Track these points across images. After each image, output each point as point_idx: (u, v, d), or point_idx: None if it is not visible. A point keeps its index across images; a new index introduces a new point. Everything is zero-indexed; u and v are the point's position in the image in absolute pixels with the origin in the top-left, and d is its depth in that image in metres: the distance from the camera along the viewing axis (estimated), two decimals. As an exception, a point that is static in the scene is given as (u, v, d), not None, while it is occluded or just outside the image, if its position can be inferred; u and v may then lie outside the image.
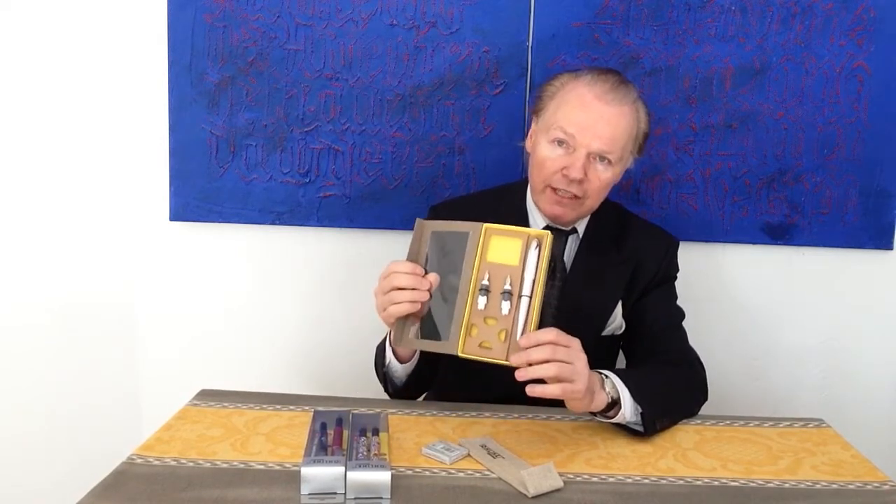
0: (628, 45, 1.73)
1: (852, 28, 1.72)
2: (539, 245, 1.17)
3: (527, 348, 1.11)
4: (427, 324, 1.21)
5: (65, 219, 1.84)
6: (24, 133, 1.81)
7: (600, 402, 1.21)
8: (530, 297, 1.15)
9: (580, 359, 1.14)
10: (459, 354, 1.15)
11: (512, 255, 1.18)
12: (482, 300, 1.16)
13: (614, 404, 1.23)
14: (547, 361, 1.10)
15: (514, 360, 1.11)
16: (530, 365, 1.11)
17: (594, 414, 1.25)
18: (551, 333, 1.12)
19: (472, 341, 1.16)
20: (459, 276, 1.19)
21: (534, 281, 1.16)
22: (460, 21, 1.73)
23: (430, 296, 1.19)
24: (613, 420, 1.24)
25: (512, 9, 1.72)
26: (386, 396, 1.46)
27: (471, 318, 1.16)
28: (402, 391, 1.41)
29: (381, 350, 1.40)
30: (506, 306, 1.15)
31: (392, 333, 1.26)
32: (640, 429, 1.25)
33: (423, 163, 1.78)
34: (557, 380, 1.11)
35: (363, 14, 1.73)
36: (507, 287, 1.16)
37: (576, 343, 1.15)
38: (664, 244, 1.52)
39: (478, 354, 1.15)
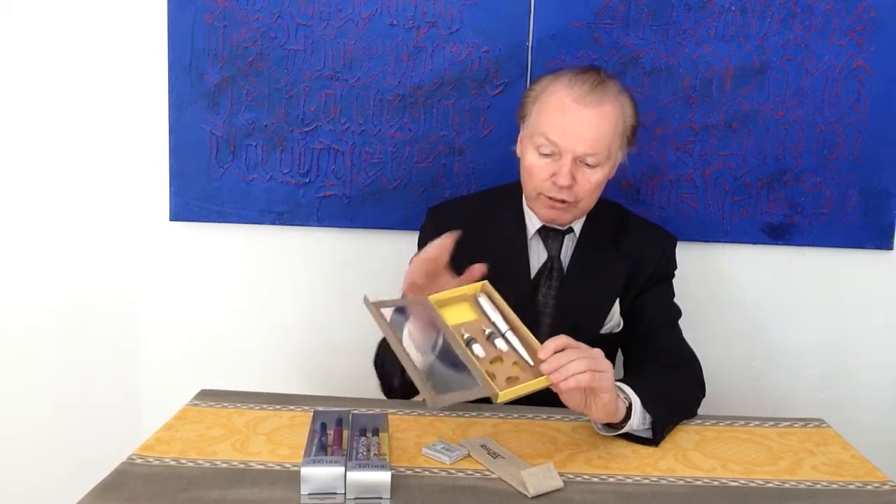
0: (628, 45, 1.73)
1: (852, 28, 1.72)
2: (485, 292, 1.21)
3: (548, 358, 1.11)
4: (453, 376, 1.15)
5: (65, 219, 1.84)
6: (24, 133, 1.81)
7: (622, 407, 1.19)
8: (512, 329, 1.17)
9: (598, 352, 1.14)
10: (500, 399, 1.09)
11: (468, 313, 1.20)
12: (478, 349, 1.15)
13: (629, 410, 1.22)
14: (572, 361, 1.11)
15: (545, 368, 1.10)
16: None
17: (606, 425, 1.23)
18: (562, 338, 1.13)
19: (499, 383, 1.12)
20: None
21: (503, 317, 1.19)
22: (460, 21, 1.73)
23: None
24: (622, 431, 1.22)
25: (512, 9, 1.72)
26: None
27: (482, 368, 1.13)
28: (399, 388, 1.40)
29: (382, 345, 1.40)
30: (501, 344, 1.16)
31: (425, 398, 1.12)
32: (647, 435, 1.23)
33: (423, 163, 1.78)
34: (587, 371, 1.11)
35: (363, 14, 1.73)
36: (488, 331, 1.17)
37: (583, 344, 1.15)
38: (662, 242, 1.52)
39: (514, 390, 1.11)
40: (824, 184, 1.78)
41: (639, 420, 1.22)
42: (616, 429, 1.23)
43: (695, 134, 1.76)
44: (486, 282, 1.22)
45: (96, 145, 1.81)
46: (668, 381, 1.32)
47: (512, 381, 1.12)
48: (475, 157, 1.77)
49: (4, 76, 1.79)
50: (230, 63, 1.75)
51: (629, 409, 1.21)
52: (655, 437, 1.23)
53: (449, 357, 1.14)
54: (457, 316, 1.19)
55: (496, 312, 1.20)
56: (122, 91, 1.79)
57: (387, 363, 1.39)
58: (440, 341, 1.17)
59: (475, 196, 1.62)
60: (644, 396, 1.23)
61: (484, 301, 1.21)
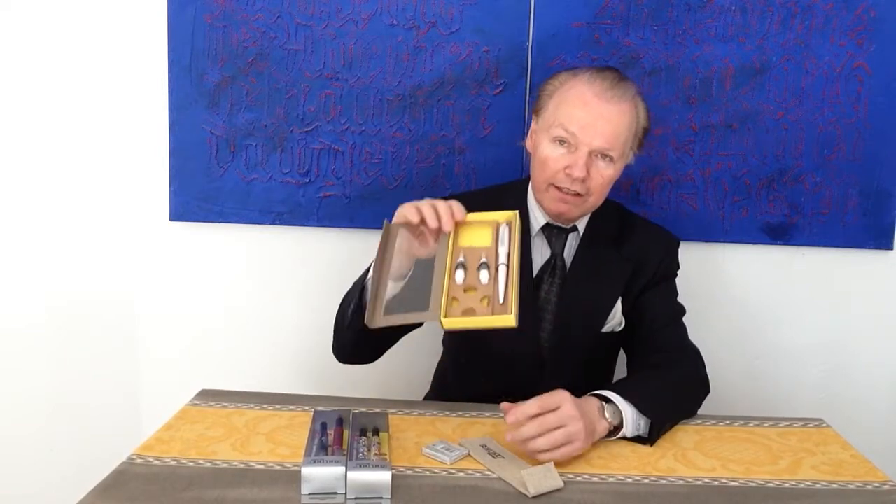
0: (628, 45, 1.73)
1: (852, 28, 1.72)
2: (509, 224, 1.22)
3: (516, 425, 1.13)
4: (406, 298, 1.17)
5: (65, 219, 1.84)
6: (24, 134, 1.81)
7: (602, 430, 1.21)
8: (507, 266, 1.17)
9: (572, 417, 1.14)
10: (443, 322, 1.10)
11: (484, 238, 1.21)
12: (460, 274, 1.16)
13: (616, 429, 1.23)
14: (541, 435, 1.12)
15: (508, 439, 1.13)
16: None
17: None
18: (534, 405, 1.13)
19: (453, 311, 1.13)
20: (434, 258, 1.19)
21: (508, 253, 1.18)
22: (460, 21, 1.73)
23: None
24: (615, 438, 1.24)
25: (512, 9, 1.72)
26: (385, 396, 1.46)
27: (450, 293, 1.14)
28: (356, 348, 1.40)
29: (350, 292, 1.39)
30: (484, 276, 1.16)
31: (366, 313, 1.17)
32: (644, 435, 1.24)
33: (423, 163, 1.78)
34: (556, 447, 1.12)
35: (363, 14, 1.73)
36: (484, 260, 1.18)
37: (564, 402, 1.14)
38: (664, 243, 1.52)
39: (462, 319, 1.12)
40: (824, 184, 1.78)
41: (632, 428, 1.23)
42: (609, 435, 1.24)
43: (695, 134, 1.76)
44: (517, 212, 1.24)
45: (96, 145, 1.81)
46: (667, 382, 1.32)
47: (468, 312, 1.13)
48: (475, 157, 1.77)
49: (4, 76, 1.79)
50: (230, 63, 1.75)
51: (618, 427, 1.22)
52: (651, 437, 1.24)
53: (416, 282, 1.16)
54: (471, 238, 1.21)
55: (505, 246, 1.19)
56: (122, 91, 1.79)
57: (346, 301, 1.39)
58: (411, 272, 1.20)
59: (480, 191, 1.62)
60: (639, 403, 1.23)
61: (504, 231, 1.22)
